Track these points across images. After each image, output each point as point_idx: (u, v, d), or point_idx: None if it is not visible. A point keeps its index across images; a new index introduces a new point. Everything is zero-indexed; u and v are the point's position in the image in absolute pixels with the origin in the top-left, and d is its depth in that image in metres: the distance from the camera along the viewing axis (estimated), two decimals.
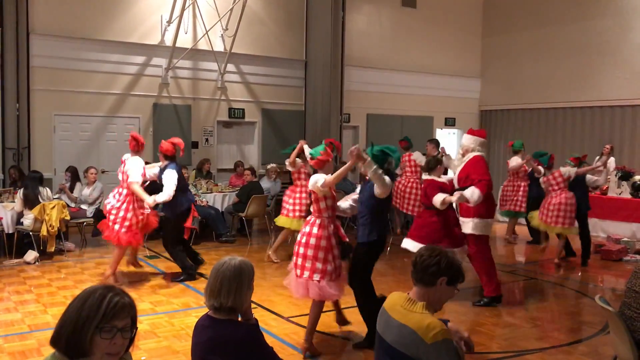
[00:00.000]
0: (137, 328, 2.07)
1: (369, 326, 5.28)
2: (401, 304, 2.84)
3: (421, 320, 2.70)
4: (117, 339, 1.96)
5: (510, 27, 16.12)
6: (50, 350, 2.01)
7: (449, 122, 16.66)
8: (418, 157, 10.25)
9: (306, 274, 5.06)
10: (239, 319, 2.85)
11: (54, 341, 1.98)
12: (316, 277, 5.03)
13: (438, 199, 6.47)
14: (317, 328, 5.28)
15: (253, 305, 2.95)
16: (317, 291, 5.01)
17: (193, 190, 10.17)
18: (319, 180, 5.06)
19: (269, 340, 2.99)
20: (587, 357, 5.19)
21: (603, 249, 9.58)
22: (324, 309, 5.27)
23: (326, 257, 5.07)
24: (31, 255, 8.41)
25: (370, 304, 5.23)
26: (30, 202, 8.39)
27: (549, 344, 5.49)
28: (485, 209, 6.63)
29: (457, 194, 6.45)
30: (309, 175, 7.79)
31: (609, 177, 11.07)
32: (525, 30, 15.71)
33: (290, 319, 6.06)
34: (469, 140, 6.93)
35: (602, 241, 10.32)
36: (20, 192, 8.53)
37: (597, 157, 13.11)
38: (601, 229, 11.39)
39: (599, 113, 14.25)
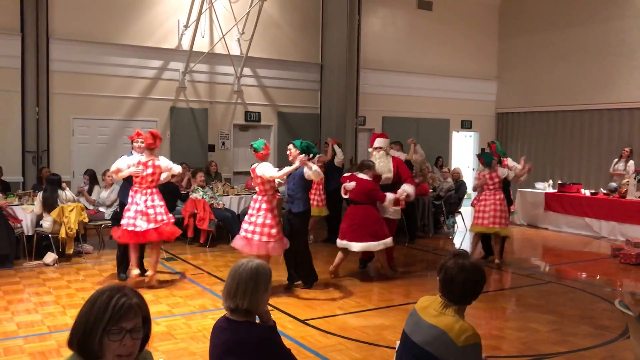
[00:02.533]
0: (150, 327, 2.06)
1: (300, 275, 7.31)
2: (434, 307, 2.83)
3: (453, 323, 2.71)
4: (127, 341, 1.95)
5: (527, 29, 16.02)
6: (69, 352, 2.04)
7: (466, 125, 16.59)
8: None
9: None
10: (257, 321, 2.86)
11: (69, 344, 1.99)
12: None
13: (390, 197, 7.75)
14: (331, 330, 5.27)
15: (269, 308, 2.96)
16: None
17: (209, 193, 10.23)
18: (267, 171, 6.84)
19: (286, 343, 3.00)
20: None
21: (622, 252, 9.45)
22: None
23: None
24: (50, 257, 8.51)
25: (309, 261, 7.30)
26: (49, 205, 8.49)
27: (567, 349, 5.43)
28: None
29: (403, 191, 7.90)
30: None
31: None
32: (542, 32, 15.60)
33: (307, 321, 6.07)
34: (382, 142, 8.34)
35: (621, 245, 10.20)
36: (39, 195, 8.64)
37: (616, 160, 12.99)
38: (620, 232, 11.25)
39: (618, 115, 14.10)
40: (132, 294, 2.01)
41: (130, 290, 2.03)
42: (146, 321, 2.04)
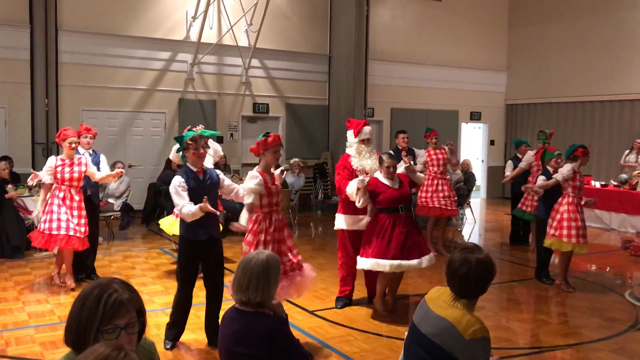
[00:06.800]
0: (146, 318, 1.99)
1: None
2: (443, 298, 2.82)
3: (461, 316, 2.70)
4: (123, 337, 1.89)
5: (538, 19, 15.88)
6: None
7: (475, 117, 16.51)
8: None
9: None
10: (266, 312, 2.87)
11: (65, 342, 1.96)
12: None
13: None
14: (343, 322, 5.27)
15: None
16: None
17: None
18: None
19: (294, 333, 3.01)
20: (615, 354, 5.11)
21: (632, 244, 9.41)
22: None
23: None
24: None
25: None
26: None
27: (577, 341, 5.42)
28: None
29: None
30: None
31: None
32: (552, 22, 15.46)
33: (315, 312, 6.08)
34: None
35: (632, 237, 10.14)
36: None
37: (627, 152, 12.88)
38: (630, 224, 11.19)
39: (629, 107, 13.98)
40: (122, 288, 1.93)
41: (120, 283, 1.95)
42: (141, 313, 1.97)
